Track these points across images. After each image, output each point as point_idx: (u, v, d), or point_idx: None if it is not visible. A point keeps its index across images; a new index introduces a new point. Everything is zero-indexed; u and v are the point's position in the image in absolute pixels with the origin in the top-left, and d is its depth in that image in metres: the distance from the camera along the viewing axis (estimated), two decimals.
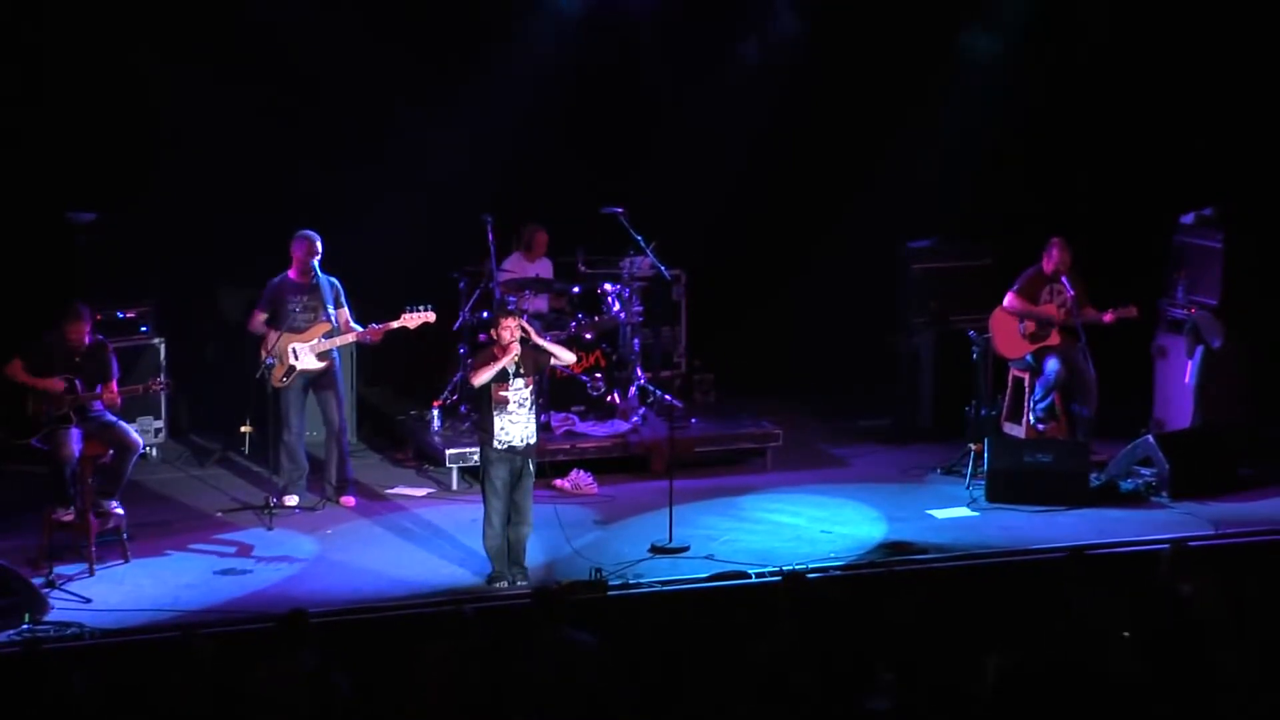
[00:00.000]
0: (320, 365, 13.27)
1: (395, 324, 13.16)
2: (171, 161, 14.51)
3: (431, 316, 13.19)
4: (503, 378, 11.69)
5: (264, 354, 13.15)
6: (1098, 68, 16.02)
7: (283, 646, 9.62)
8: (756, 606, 10.98)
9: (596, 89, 15.59)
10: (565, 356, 12.07)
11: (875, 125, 15.97)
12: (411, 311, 13.12)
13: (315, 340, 13.21)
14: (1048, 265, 14.13)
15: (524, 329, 11.75)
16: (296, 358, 13.21)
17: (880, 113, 15.97)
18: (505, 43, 15.40)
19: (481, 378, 11.68)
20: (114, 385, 12.29)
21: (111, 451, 12.26)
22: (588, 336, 14.51)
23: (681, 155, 15.68)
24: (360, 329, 13.23)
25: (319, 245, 13.20)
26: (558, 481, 13.65)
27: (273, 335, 13.18)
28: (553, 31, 15.49)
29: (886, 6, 15.84)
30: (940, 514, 13.30)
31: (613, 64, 15.61)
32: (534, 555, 12.03)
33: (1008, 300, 14.22)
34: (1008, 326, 14.28)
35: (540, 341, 11.87)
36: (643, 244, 14.57)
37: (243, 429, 13.91)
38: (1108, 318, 13.99)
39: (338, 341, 13.29)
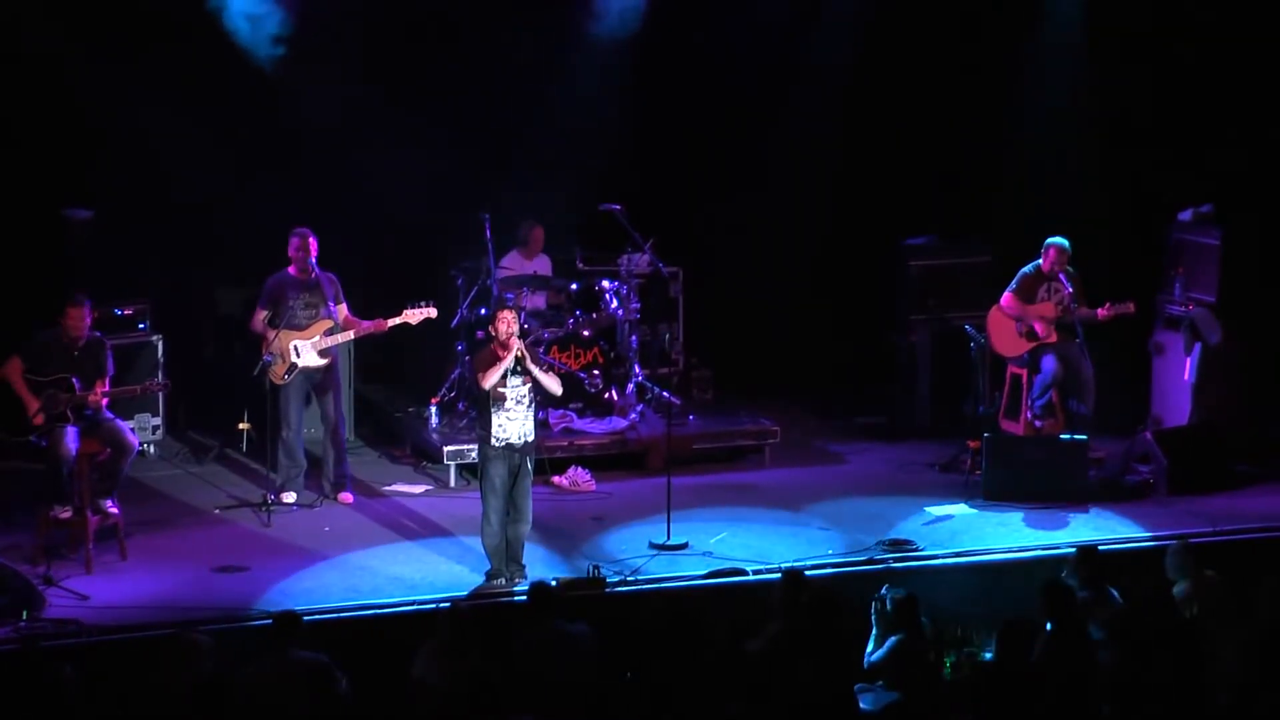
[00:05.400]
0: (322, 362, 13.25)
1: (398, 320, 13.15)
2: (169, 158, 14.48)
3: (433, 312, 13.16)
4: (501, 374, 11.66)
5: (264, 352, 13.12)
6: (1096, 64, 16.00)
7: (277, 645, 9.62)
8: (754, 604, 10.98)
9: (596, 87, 15.56)
10: (553, 389, 11.96)
11: (874, 123, 15.96)
12: (414, 308, 13.11)
13: (317, 338, 13.19)
14: (1045, 265, 14.12)
15: (522, 353, 11.64)
16: (298, 355, 13.18)
17: (879, 111, 15.96)
18: (506, 42, 15.38)
19: (490, 379, 11.58)
20: (106, 384, 12.26)
21: (108, 450, 12.25)
22: (585, 333, 14.49)
23: (680, 153, 15.67)
24: (365, 323, 13.20)
25: (313, 240, 13.18)
26: (556, 478, 13.63)
27: (272, 333, 13.15)
28: (553, 29, 15.46)
29: (886, 7, 15.83)
30: (938, 511, 13.29)
31: (612, 63, 15.58)
32: (532, 553, 12.02)
33: (1003, 301, 14.20)
34: (1005, 325, 14.26)
35: (534, 370, 11.68)
36: (640, 241, 14.55)
37: (241, 426, 13.92)
38: (1102, 313, 13.98)
39: (340, 338, 13.27)
